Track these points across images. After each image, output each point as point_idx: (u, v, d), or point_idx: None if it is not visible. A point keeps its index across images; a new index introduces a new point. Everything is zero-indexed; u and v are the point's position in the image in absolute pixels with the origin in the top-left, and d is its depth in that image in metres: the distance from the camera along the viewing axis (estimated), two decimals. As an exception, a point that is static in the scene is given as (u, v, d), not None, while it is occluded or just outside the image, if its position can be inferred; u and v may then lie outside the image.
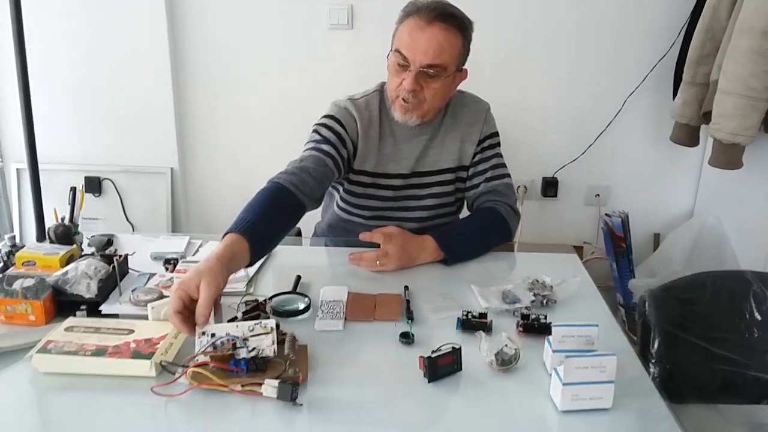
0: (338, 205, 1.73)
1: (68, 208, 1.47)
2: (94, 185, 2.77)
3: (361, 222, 1.69)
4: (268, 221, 1.29)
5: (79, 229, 1.46)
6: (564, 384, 0.99)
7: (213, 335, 1.07)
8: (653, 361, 1.41)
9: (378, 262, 1.45)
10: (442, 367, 1.08)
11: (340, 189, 1.70)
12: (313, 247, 1.73)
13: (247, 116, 2.78)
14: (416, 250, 1.49)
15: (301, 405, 1.00)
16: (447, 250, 1.50)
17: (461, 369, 1.10)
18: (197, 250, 1.56)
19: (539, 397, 1.04)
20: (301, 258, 1.57)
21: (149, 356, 1.06)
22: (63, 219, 1.44)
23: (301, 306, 1.29)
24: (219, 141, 2.82)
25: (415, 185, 1.67)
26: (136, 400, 1.01)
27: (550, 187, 2.77)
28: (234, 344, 1.06)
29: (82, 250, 1.45)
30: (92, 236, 1.57)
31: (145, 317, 1.19)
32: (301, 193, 1.42)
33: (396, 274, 1.46)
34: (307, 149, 1.57)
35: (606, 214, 2.60)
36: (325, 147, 1.55)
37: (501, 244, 1.62)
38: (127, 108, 2.74)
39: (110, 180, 2.80)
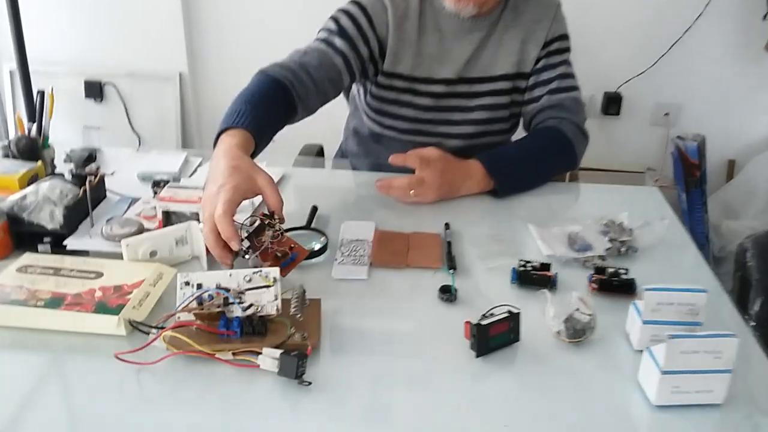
0: (366, 114, 1.46)
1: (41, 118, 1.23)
2: (94, 90, 2.54)
3: (394, 136, 1.42)
4: (267, 117, 1.12)
5: (50, 141, 1.23)
6: (663, 372, 0.75)
7: (199, 286, 0.85)
8: (752, 324, 1.15)
9: (412, 192, 1.20)
10: (494, 337, 0.85)
11: (366, 93, 1.42)
12: (334, 170, 1.49)
13: (262, 16, 2.47)
14: (460, 177, 1.23)
15: (309, 384, 0.78)
16: (498, 179, 1.24)
17: (519, 340, 0.87)
18: (195, 171, 1.33)
19: (623, 383, 0.81)
20: (319, 184, 1.32)
21: (117, 310, 0.84)
22: (29, 130, 1.20)
23: (316, 246, 1.05)
24: (232, 43, 2.53)
25: (462, 94, 1.38)
26: (99, 366, 0.81)
27: (612, 104, 2.47)
28: (225, 299, 0.83)
29: (53, 168, 1.23)
30: (71, 150, 1.34)
31: (119, 254, 0.97)
32: (296, 95, 1.20)
33: (434, 208, 1.21)
34: (316, 39, 1.30)
35: (678, 137, 2.30)
36: (338, 42, 1.28)
37: (563, 173, 1.35)
38: (130, 3, 2.45)
39: (113, 85, 2.55)
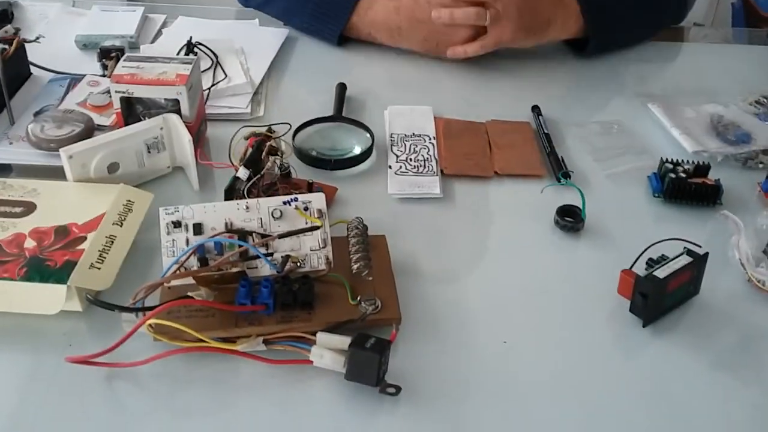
0: None
1: None
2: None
3: None
4: None
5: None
6: None
7: (197, 228, 0.53)
8: None
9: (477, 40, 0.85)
10: (671, 294, 0.55)
11: None
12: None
13: None
14: (549, 8, 0.88)
15: (398, 391, 0.48)
16: (593, 24, 0.89)
17: (698, 292, 0.58)
18: (158, 33, 0.95)
19: None
20: (347, 48, 0.95)
21: (63, 273, 0.52)
22: None
23: (357, 148, 0.73)
24: None
25: None
26: (40, 369, 0.50)
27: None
28: (245, 252, 0.52)
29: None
30: (-24, 6, 0.94)
31: (59, 171, 0.63)
32: None
33: (507, 78, 0.88)
34: None
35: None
36: None
37: (665, 27, 1.02)
38: None
39: None
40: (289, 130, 0.69)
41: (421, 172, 0.70)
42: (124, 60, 0.70)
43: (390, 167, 0.71)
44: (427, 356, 0.52)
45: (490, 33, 0.86)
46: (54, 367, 0.49)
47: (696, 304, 0.58)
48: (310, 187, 0.64)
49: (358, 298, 0.53)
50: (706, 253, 0.56)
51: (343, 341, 0.48)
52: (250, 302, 0.51)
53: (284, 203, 0.54)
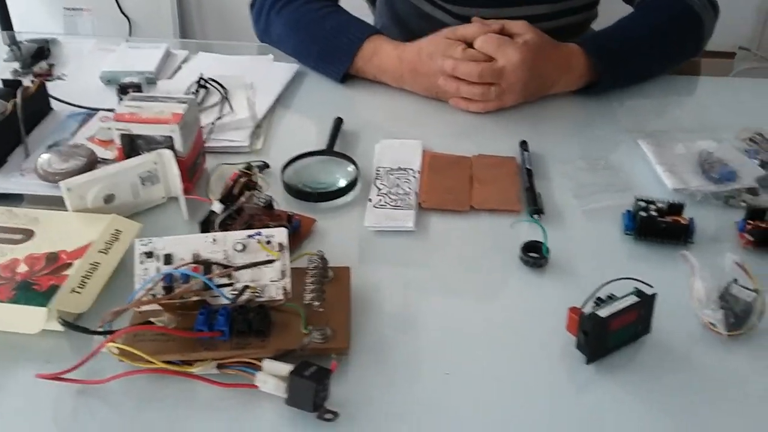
0: None
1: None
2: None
3: (447, 21, 1.07)
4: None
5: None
6: None
7: (167, 259, 0.58)
8: None
9: (479, 92, 0.88)
10: (616, 333, 0.57)
11: None
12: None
13: None
14: (555, 69, 0.90)
15: (335, 416, 0.52)
16: (602, 66, 0.91)
17: (649, 332, 0.59)
18: (178, 69, 1.02)
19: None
20: (343, 86, 1.00)
21: (46, 297, 0.58)
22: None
23: (342, 181, 0.77)
24: None
25: None
26: (18, 385, 0.56)
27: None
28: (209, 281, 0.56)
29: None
30: (18, 42, 1.04)
31: (60, 202, 0.69)
32: None
33: (503, 116, 0.91)
34: None
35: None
36: None
37: (681, 63, 1.02)
38: None
39: (95, -44, 2.19)
40: (285, 164, 0.74)
41: (399, 206, 0.74)
42: (129, 99, 0.76)
43: (370, 200, 0.75)
44: (373, 385, 0.56)
45: (495, 102, 0.89)
46: (29, 382, 0.55)
47: (648, 344, 0.59)
48: (290, 219, 0.69)
49: (310, 328, 0.57)
50: (654, 294, 0.58)
51: (286, 368, 0.52)
52: (208, 329, 0.56)
53: (248, 237, 0.59)
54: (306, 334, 0.56)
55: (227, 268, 0.57)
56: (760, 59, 2.12)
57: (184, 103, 0.75)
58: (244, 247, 0.58)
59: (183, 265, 0.57)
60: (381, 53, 0.94)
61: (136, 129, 0.73)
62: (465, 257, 0.69)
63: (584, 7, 1.09)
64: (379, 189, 0.76)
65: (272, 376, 0.52)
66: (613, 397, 0.55)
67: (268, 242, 0.59)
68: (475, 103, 0.89)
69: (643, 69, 0.96)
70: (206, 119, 0.87)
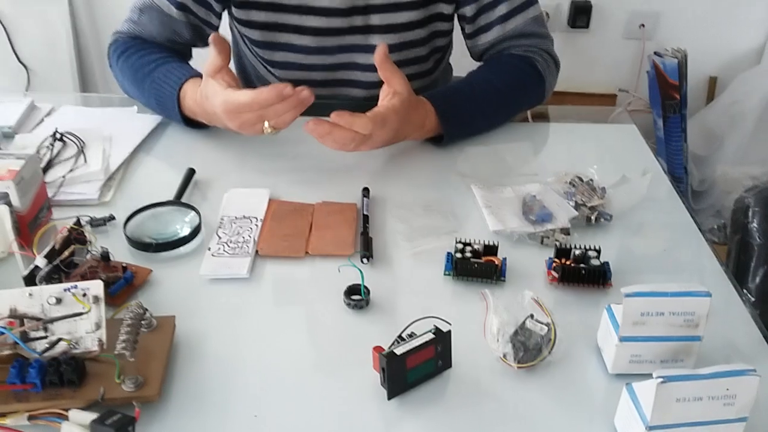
0: (247, 56, 1.20)
1: None
2: (-37, 10, 2.16)
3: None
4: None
5: None
6: (650, 428, 0.53)
7: (-18, 315, 0.59)
8: (752, 300, 0.95)
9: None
10: (414, 370, 0.62)
11: (238, 34, 1.15)
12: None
13: None
14: (412, 128, 0.96)
15: (140, 462, 0.54)
16: (447, 125, 0.98)
17: (451, 366, 0.65)
18: (41, 121, 1.04)
19: (594, 424, 0.60)
20: (201, 137, 1.03)
21: None
22: None
23: (184, 230, 0.80)
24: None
25: (356, 29, 1.08)
26: None
27: (580, 15, 2.19)
28: (24, 334, 0.59)
29: None
30: None
31: None
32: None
33: (352, 162, 0.95)
34: None
35: (656, 53, 2.04)
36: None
37: (524, 111, 1.10)
38: None
39: (-13, 3, 2.17)
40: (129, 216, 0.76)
41: (236, 254, 0.78)
42: (-9, 157, 0.78)
43: (209, 249, 0.78)
44: (184, 430, 0.58)
45: (355, 146, 0.88)
46: None
47: (450, 378, 0.64)
48: (124, 270, 0.72)
49: (122, 377, 0.59)
50: (449, 330, 0.63)
51: (90, 417, 0.55)
52: (20, 381, 0.58)
53: (64, 290, 0.61)
54: (119, 384, 0.59)
55: (38, 321, 0.60)
56: (637, 100, 2.27)
57: (21, 159, 0.77)
58: (58, 300, 0.60)
59: (-4, 322, 0.59)
60: (187, 98, 0.97)
61: (-29, 186, 0.74)
62: (293, 302, 0.73)
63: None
64: (220, 237, 0.80)
65: (77, 425, 0.55)
66: (416, 430, 0.60)
67: (84, 295, 0.61)
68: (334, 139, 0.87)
69: (486, 125, 1.03)
70: (59, 172, 0.89)
